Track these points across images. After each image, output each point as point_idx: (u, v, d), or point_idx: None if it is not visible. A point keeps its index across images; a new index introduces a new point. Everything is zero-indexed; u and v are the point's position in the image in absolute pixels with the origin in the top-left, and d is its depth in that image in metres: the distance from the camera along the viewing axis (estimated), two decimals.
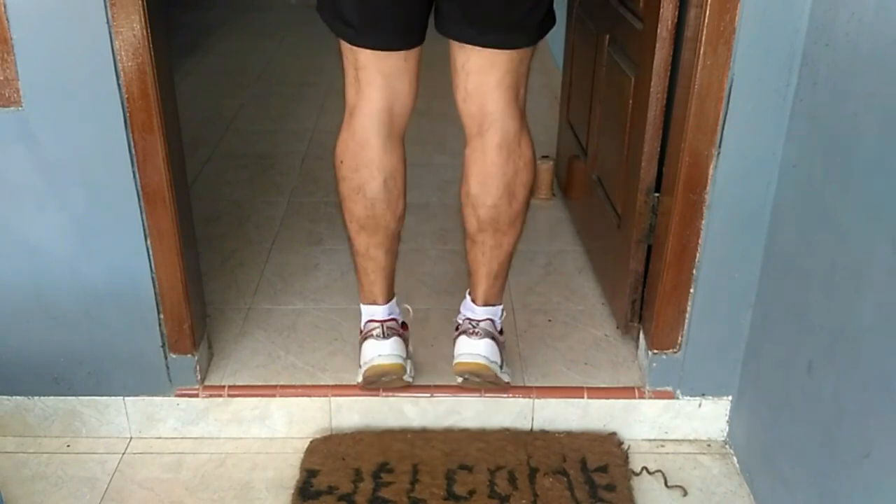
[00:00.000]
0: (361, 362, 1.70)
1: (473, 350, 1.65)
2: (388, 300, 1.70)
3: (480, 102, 1.45)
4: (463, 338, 1.67)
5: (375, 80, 1.44)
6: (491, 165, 1.49)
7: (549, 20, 1.43)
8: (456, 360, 1.67)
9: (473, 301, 1.69)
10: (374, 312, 1.69)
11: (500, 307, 1.72)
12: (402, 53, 1.43)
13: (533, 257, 2.29)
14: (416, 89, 1.50)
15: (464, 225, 1.62)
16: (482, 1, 1.35)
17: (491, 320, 1.68)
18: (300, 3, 5.39)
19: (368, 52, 1.42)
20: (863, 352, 1.23)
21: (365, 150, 1.50)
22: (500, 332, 1.73)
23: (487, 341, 1.65)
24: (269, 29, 4.91)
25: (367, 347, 1.68)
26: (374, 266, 1.64)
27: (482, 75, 1.42)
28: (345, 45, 1.44)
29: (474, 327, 1.66)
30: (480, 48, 1.39)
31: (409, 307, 1.82)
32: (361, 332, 1.72)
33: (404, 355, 1.70)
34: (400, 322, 1.74)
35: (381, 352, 1.66)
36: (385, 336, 1.66)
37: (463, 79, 1.44)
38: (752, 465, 1.67)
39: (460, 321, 1.71)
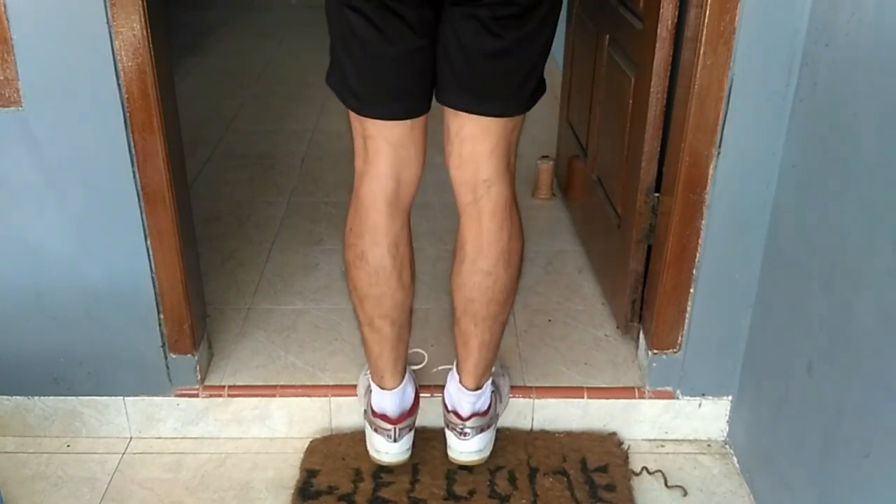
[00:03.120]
0: (367, 443, 1.66)
1: (465, 449, 1.63)
2: (398, 382, 1.62)
3: (474, 169, 1.46)
4: (452, 436, 1.63)
5: (382, 148, 1.46)
6: (486, 231, 1.49)
7: (539, 90, 1.46)
8: (449, 453, 1.65)
9: (461, 382, 1.61)
10: (384, 404, 1.61)
11: (491, 379, 1.66)
12: (407, 123, 1.45)
13: (533, 257, 2.28)
14: (422, 158, 1.51)
15: (453, 300, 1.57)
16: (478, 72, 1.38)
17: (479, 414, 1.62)
18: (300, 3, 5.39)
19: (376, 121, 1.44)
20: (863, 352, 1.23)
21: (370, 215, 1.49)
22: (493, 399, 1.66)
23: (478, 438, 1.62)
24: (269, 29, 4.91)
25: (375, 438, 1.63)
26: (378, 338, 1.57)
27: (476, 143, 1.44)
28: (353, 116, 1.46)
29: (461, 430, 1.61)
30: (475, 116, 1.42)
31: (423, 352, 1.75)
32: (371, 411, 1.63)
33: (413, 443, 1.66)
34: (411, 403, 1.65)
35: (389, 451, 1.62)
36: (396, 440, 1.61)
37: (457, 146, 1.46)
38: (752, 465, 1.67)
39: (448, 408, 1.64)
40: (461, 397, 1.62)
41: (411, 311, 1.60)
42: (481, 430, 1.63)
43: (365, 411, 1.67)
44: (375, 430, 1.63)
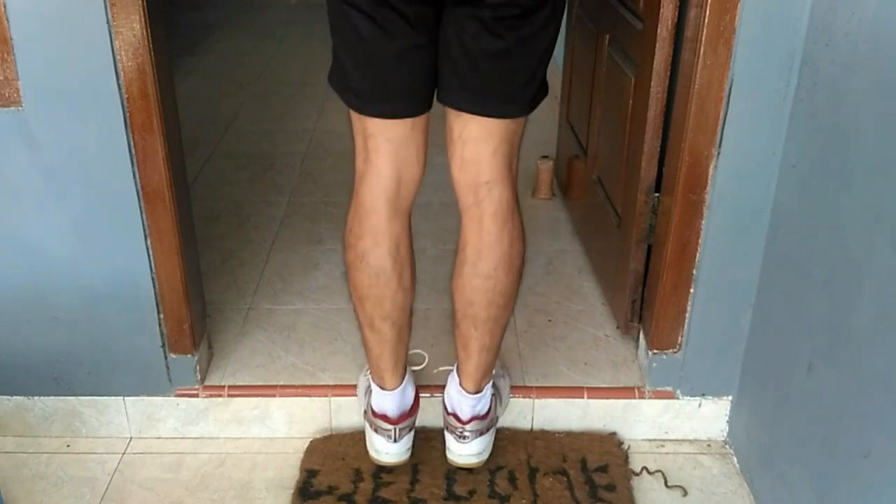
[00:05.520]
0: (367, 443, 1.66)
1: (464, 452, 1.63)
2: (399, 383, 1.61)
3: (476, 170, 1.46)
4: (451, 439, 1.63)
5: (383, 147, 1.46)
6: (487, 234, 1.49)
7: (542, 92, 1.46)
8: (448, 455, 1.65)
9: (461, 385, 1.60)
10: (384, 404, 1.61)
11: (491, 382, 1.65)
12: (408, 122, 1.45)
13: (533, 257, 2.28)
14: (423, 159, 1.51)
15: (454, 303, 1.56)
16: (480, 73, 1.38)
17: (479, 418, 1.62)
18: (300, 3, 5.40)
19: (376, 120, 1.44)
20: (863, 352, 1.23)
21: (371, 217, 1.49)
22: (493, 402, 1.66)
23: (477, 441, 1.62)
24: (269, 29, 4.91)
25: (375, 438, 1.63)
26: (378, 339, 1.56)
27: (479, 144, 1.44)
28: (354, 114, 1.46)
29: (461, 433, 1.61)
30: (478, 117, 1.42)
31: (424, 353, 1.75)
32: (371, 411, 1.64)
33: (412, 443, 1.66)
34: (411, 403, 1.65)
35: (389, 451, 1.62)
36: (396, 440, 1.61)
37: (460, 147, 1.46)
38: (752, 465, 1.67)
39: (448, 410, 1.63)
40: (461, 400, 1.61)
41: (412, 312, 1.60)
42: (480, 433, 1.62)
43: (365, 412, 1.67)
44: (376, 431, 1.63)
